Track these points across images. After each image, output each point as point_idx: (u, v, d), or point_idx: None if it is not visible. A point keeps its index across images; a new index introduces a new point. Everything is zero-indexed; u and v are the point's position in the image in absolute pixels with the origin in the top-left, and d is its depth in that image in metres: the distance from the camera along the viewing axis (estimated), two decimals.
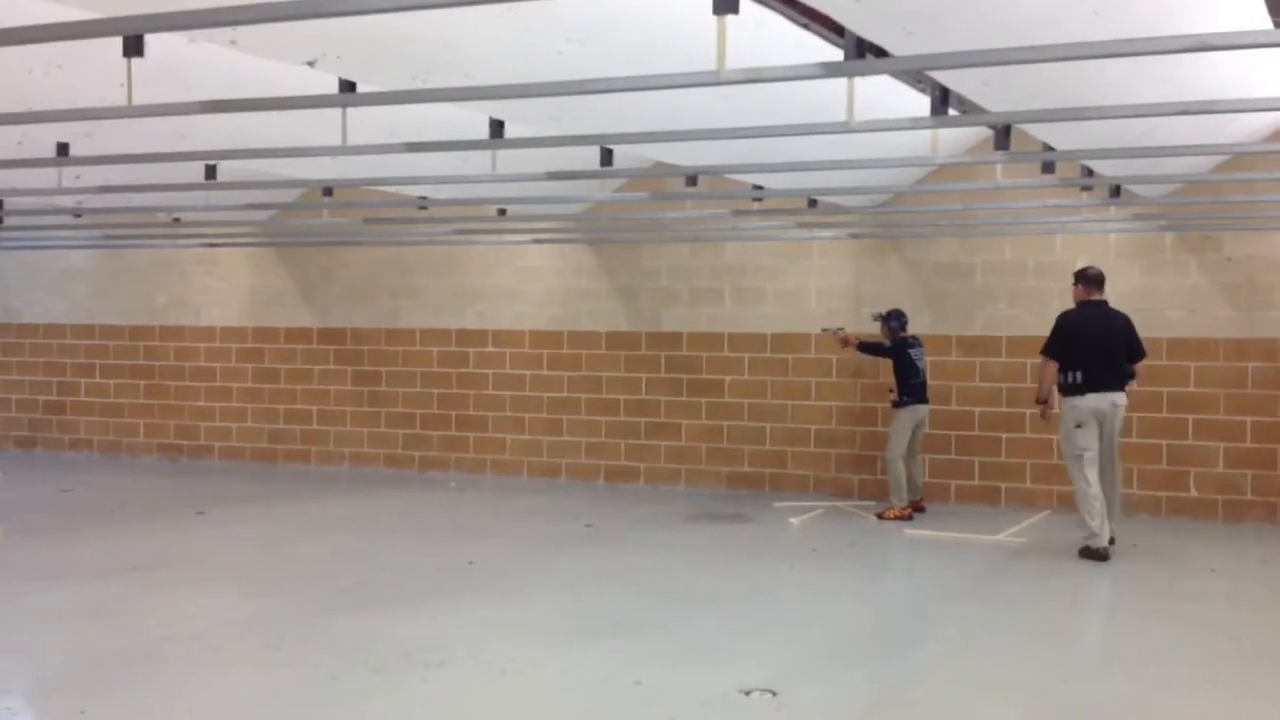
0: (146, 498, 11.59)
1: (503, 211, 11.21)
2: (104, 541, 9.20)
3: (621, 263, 12.31)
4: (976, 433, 10.89)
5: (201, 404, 14.07)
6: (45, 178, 8.77)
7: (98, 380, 14.49)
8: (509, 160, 7.56)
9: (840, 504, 10.86)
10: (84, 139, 7.42)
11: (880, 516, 10.13)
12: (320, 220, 11.15)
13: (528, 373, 12.68)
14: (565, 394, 12.48)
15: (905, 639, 6.76)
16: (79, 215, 11.24)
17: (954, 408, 10.91)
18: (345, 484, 12.37)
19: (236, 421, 13.92)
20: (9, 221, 11.84)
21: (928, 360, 10.47)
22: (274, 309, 13.82)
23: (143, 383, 14.28)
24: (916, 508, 10.34)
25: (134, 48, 4.62)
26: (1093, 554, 8.56)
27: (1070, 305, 8.97)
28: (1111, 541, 8.64)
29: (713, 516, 10.43)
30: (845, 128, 5.11)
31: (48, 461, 13.88)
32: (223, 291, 14.07)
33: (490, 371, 12.84)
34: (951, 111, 5.84)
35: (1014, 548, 9.11)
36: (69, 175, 8.85)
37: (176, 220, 11.95)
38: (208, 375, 14.05)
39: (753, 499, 11.23)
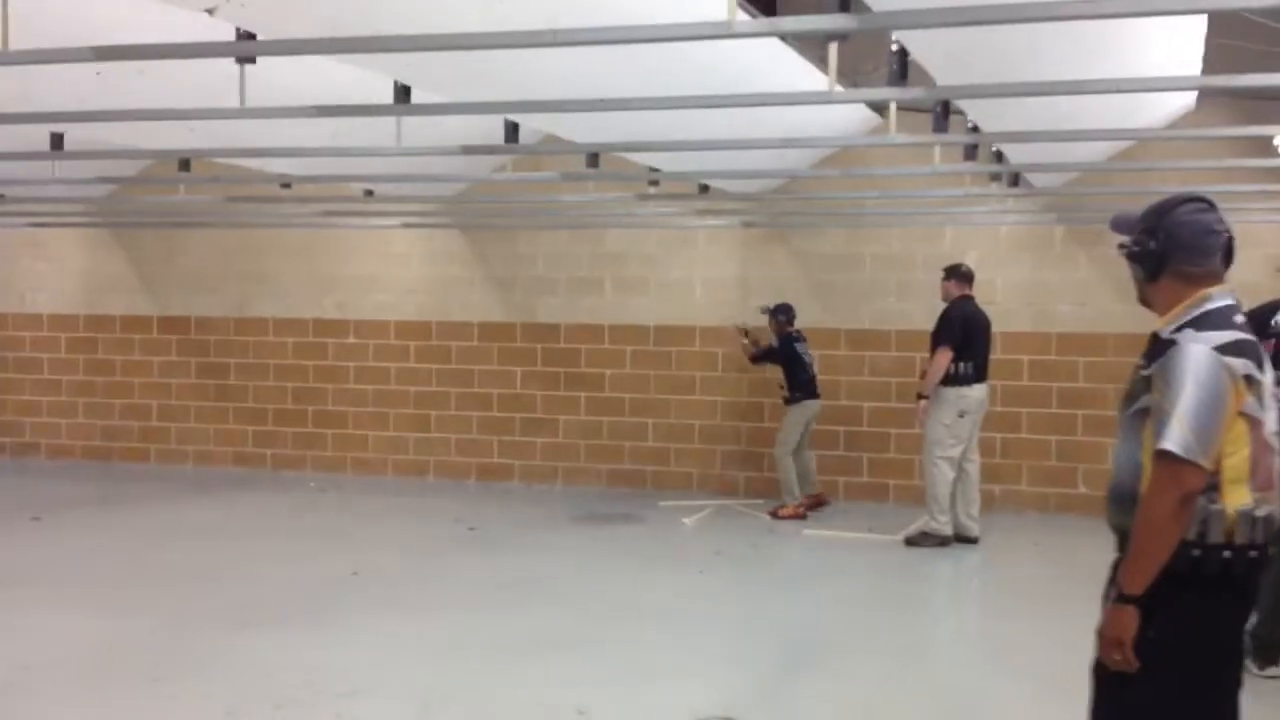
0: None
1: (369, 192, 10.49)
2: None
3: (495, 250, 11.69)
4: (865, 429, 10.68)
5: (26, 397, 12.84)
6: None
7: None
8: (410, 134, 6.90)
9: (728, 502, 10.49)
10: None
11: (775, 515, 9.80)
12: (175, 198, 10.18)
13: (392, 365, 11.94)
14: (434, 388, 11.79)
15: (849, 650, 6.33)
16: None
17: (842, 402, 10.66)
18: (192, 485, 11.40)
19: (66, 417, 12.74)
20: None
21: (814, 354, 10.21)
22: (109, 295, 12.69)
23: None
24: (819, 502, 10.09)
25: None
26: (935, 540, 8.73)
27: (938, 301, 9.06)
28: (974, 539, 8.80)
29: (599, 517, 9.93)
30: (826, 98, 4.66)
31: None
32: (50, 275, 12.86)
33: (351, 364, 12.05)
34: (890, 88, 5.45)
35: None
36: None
37: (1, 196, 10.79)
38: (33, 366, 12.83)
39: (636, 498, 10.77)
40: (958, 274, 9.05)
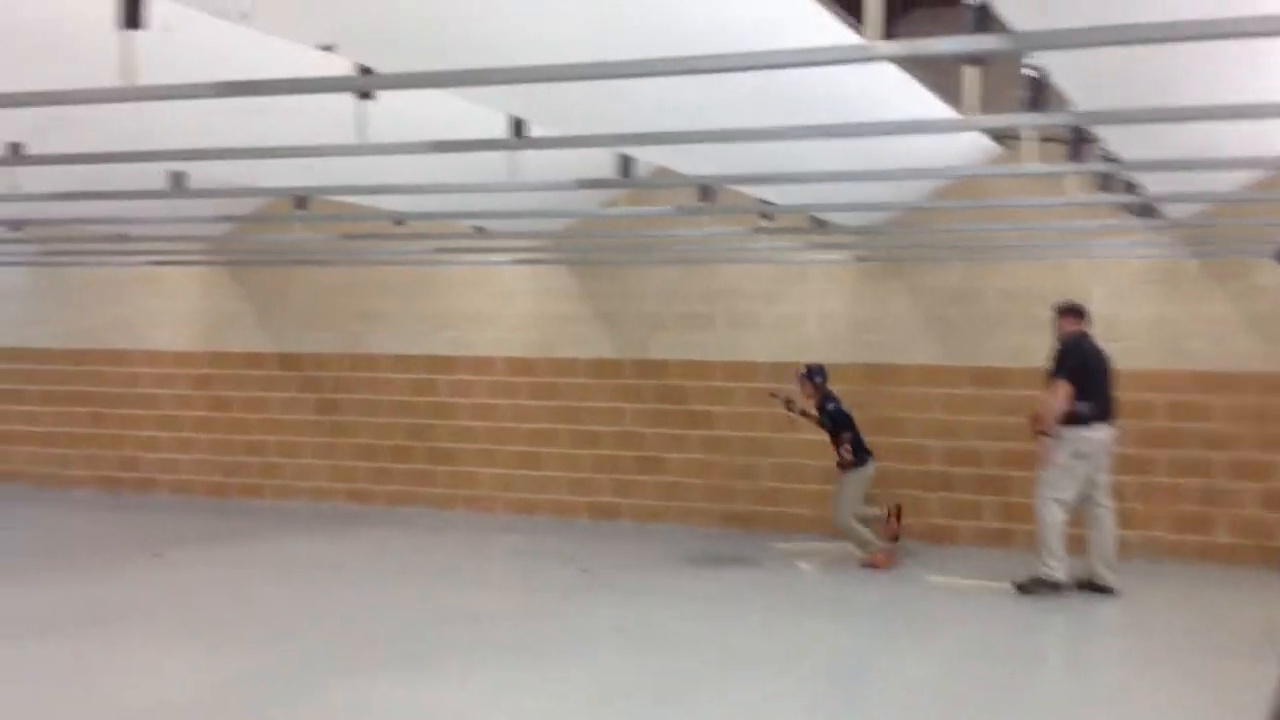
0: (93, 537, 10.62)
1: (480, 229, 10.49)
2: (55, 588, 8.25)
3: (604, 286, 11.59)
4: (988, 471, 10.28)
5: (146, 433, 13.07)
6: None
7: (30, 408, 13.42)
8: (520, 169, 6.82)
9: (845, 546, 10.17)
10: (40, 136, 6.56)
11: (873, 566, 9.33)
12: (291, 236, 10.30)
13: (502, 402, 11.89)
14: (543, 425, 11.70)
15: (983, 711, 6.00)
16: (18, 228, 10.29)
17: (964, 443, 10.31)
18: (307, 521, 11.46)
19: (185, 453, 12.94)
20: None
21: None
22: (227, 332, 12.88)
23: (80, 410, 13.24)
24: (892, 536, 9.53)
25: (132, 18, 3.84)
26: (1047, 586, 8.30)
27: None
28: (1109, 589, 8.36)
29: (713, 559, 9.71)
30: (963, 125, 4.44)
31: None
32: (169, 313, 13.11)
33: (462, 401, 12.03)
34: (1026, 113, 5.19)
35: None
36: (10, 179, 7.95)
37: (123, 237, 11.00)
38: (153, 403, 13.06)
39: (749, 539, 10.51)
40: (1072, 310, 8.71)
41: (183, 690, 5.89)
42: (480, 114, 5.82)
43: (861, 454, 9.47)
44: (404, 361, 12.21)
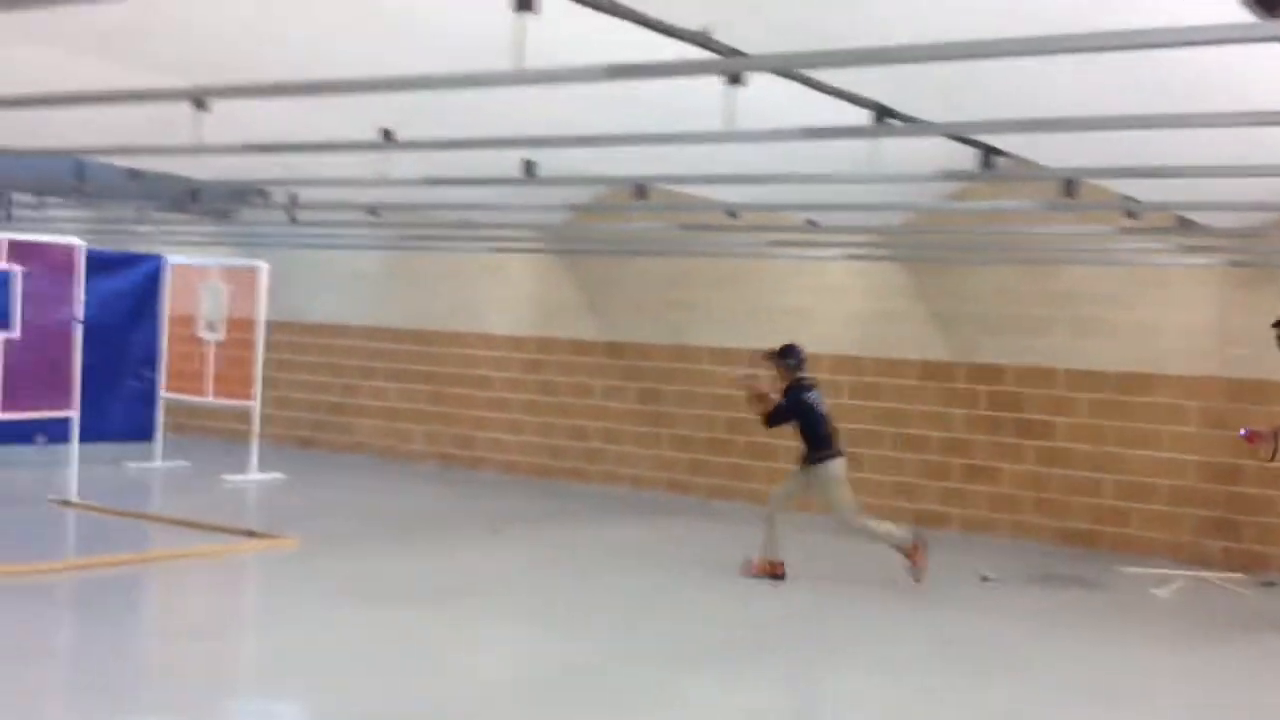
0: (433, 510, 11.13)
1: (812, 223, 10.28)
2: (403, 559, 8.66)
3: (935, 284, 11.13)
4: None
5: (479, 413, 13.61)
6: (344, 165, 8.23)
7: (378, 384, 14.26)
8: (868, 158, 6.54)
9: (1204, 574, 9.32)
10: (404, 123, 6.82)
11: (913, 564, 8.30)
12: (630, 226, 10.42)
13: (826, 399, 11.59)
14: (867, 426, 11.35)
15: None
16: (377, 214, 10.89)
17: None
18: (628, 508, 11.59)
19: (513, 434, 13.39)
20: (303, 218, 11.62)
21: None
22: (557, 319, 13.23)
23: (422, 388, 13.95)
24: (774, 573, 8.41)
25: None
26: None
27: None
28: None
29: (1052, 579, 9.11)
30: None
31: (326, 463, 13.67)
32: (505, 299, 13.60)
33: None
34: None
35: None
36: (380, 165, 8.35)
37: (469, 224, 11.45)
38: (486, 384, 13.59)
39: (1090, 560, 9.81)
40: None
41: (533, 669, 5.99)
42: (835, 103, 5.59)
43: (821, 452, 8.44)
44: (724, 354, 12.15)
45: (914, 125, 5.53)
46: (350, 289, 14.56)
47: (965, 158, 6.75)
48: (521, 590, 7.90)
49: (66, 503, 9.59)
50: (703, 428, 12.23)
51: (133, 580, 7.82)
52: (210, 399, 12.55)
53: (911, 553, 8.34)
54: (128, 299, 11.66)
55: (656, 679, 5.86)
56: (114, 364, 11.20)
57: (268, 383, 12.57)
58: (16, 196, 12.65)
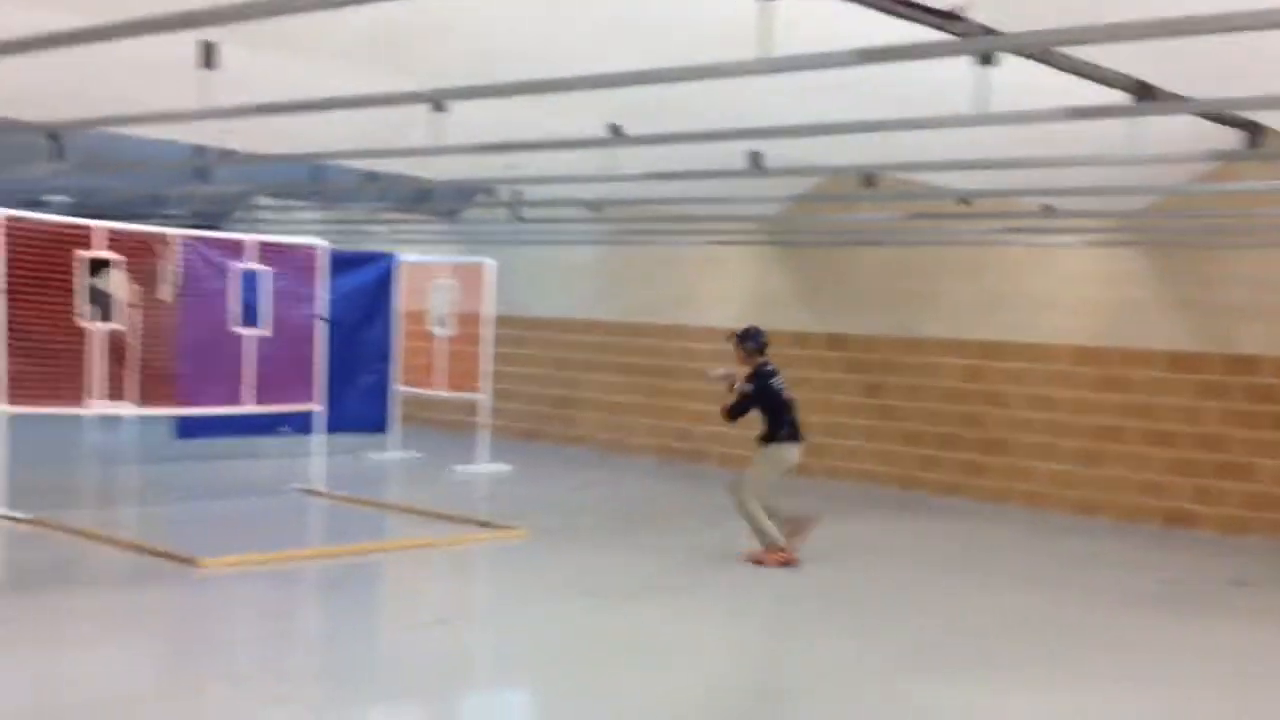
0: (655, 504, 11.18)
1: (1048, 208, 9.78)
2: (627, 552, 8.69)
3: (1183, 270, 10.46)
4: None
5: (699, 406, 13.56)
6: (569, 161, 8.28)
7: (600, 377, 14.40)
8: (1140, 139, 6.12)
9: None
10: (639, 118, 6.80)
11: (758, 562, 8.11)
12: (856, 216, 10.18)
13: (1062, 393, 11.09)
14: (1109, 420, 10.78)
15: None
16: (598, 209, 10.96)
17: None
18: (856, 504, 11.31)
19: (739, 428, 13.26)
20: (530, 214, 11.81)
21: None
22: (774, 311, 13.03)
23: (643, 381, 14.02)
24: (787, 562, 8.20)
25: None
26: None
27: None
28: None
29: None
30: None
31: (550, 455, 13.90)
32: (720, 291, 13.51)
33: (1017, 389, 11.37)
34: None
35: None
36: (608, 161, 8.37)
37: (686, 218, 11.41)
38: (702, 377, 13.51)
39: None
40: None
41: (763, 673, 5.89)
42: (1066, 83, 5.24)
43: (781, 432, 8.30)
44: (955, 346, 11.75)
45: (1178, 103, 5.14)
46: (571, 283, 14.75)
47: (1223, 137, 6.29)
48: (750, 586, 7.79)
49: (311, 491, 10.01)
50: (932, 422, 11.86)
51: (373, 567, 8.09)
52: (440, 392, 12.91)
53: (767, 554, 8.18)
54: (364, 296, 12.09)
55: (896, 686, 5.66)
56: (352, 359, 11.62)
57: (492, 376, 12.84)
58: (261, 200, 13.32)
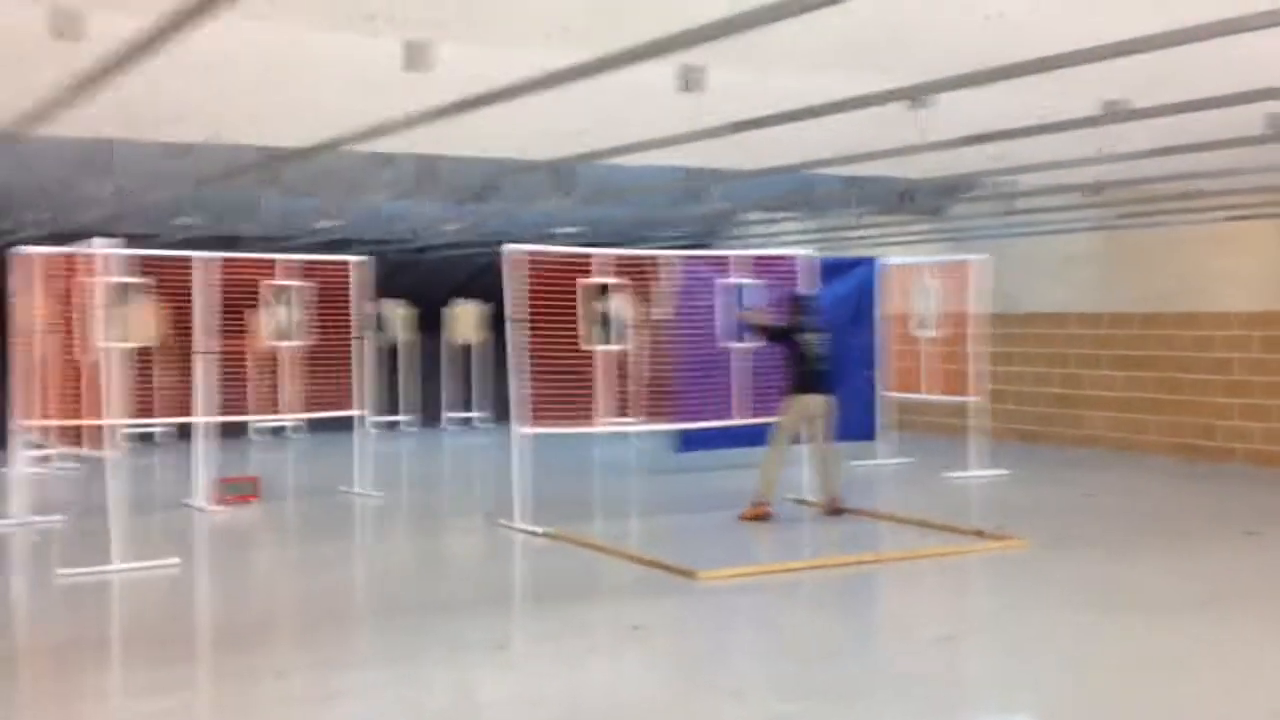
0: (1173, 508, 10.23)
1: None
2: (1142, 563, 7.99)
3: None
4: None
5: (1219, 400, 12.32)
6: (1061, 145, 7.70)
7: (1104, 372, 13.46)
8: None
9: None
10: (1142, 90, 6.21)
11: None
12: None
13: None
14: None
15: None
16: (1097, 192, 10.21)
17: None
18: None
19: (1259, 421, 11.95)
20: (1021, 205, 11.24)
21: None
22: None
23: (1153, 375, 12.94)
24: (834, 510, 9.57)
25: None
26: None
27: None
28: None
29: None
30: None
31: (1050, 458, 13.14)
32: (1238, 272, 12.17)
33: None
34: None
35: None
36: (1098, 140, 7.75)
37: (1193, 194, 10.32)
38: (1223, 367, 12.27)
39: None
40: None
41: None
42: None
43: (795, 384, 9.51)
44: None
45: None
46: (1063, 274, 13.91)
47: None
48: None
49: (801, 501, 10.04)
50: None
51: (868, 579, 7.93)
52: (927, 395, 12.59)
53: (758, 510, 9.33)
54: (849, 303, 12.06)
55: None
56: (840, 366, 11.63)
57: (984, 377, 12.34)
58: (749, 215, 13.69)
